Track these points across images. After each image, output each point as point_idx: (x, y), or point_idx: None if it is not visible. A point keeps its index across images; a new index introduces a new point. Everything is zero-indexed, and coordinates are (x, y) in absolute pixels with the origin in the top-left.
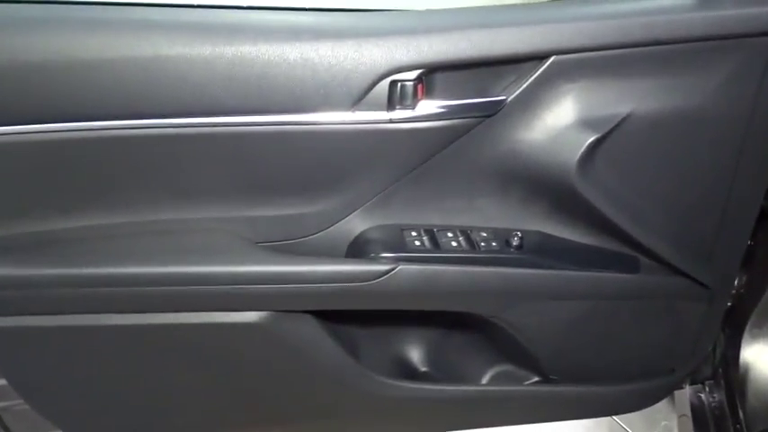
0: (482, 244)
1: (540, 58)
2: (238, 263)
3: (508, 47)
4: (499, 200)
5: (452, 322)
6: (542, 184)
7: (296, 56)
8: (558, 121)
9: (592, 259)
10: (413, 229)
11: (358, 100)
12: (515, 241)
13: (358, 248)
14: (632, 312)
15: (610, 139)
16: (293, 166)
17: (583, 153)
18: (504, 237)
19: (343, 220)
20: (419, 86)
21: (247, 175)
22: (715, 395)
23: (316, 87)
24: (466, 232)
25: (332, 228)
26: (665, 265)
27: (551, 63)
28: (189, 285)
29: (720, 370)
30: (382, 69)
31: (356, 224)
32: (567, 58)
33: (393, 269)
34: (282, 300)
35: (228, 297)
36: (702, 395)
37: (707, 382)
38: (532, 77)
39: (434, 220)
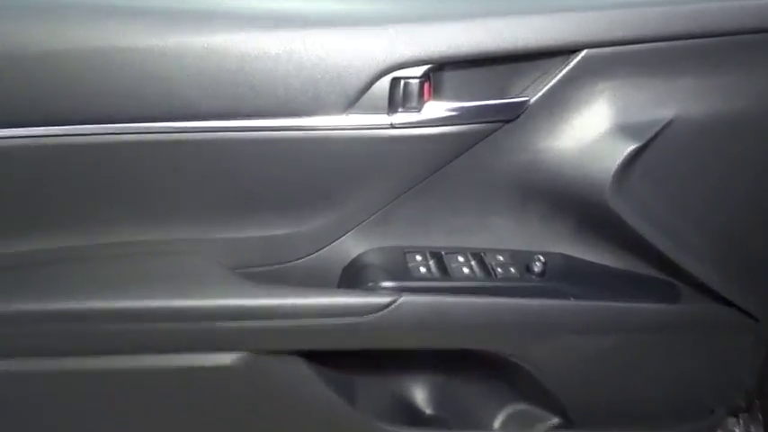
0: (499, 270)
1: (569, 52)
2: (214, 294)
3: (532, 39)
4: (518, 218)
5: (461, 359)
6: (569, 201)
7: (279, 48)
8: (590, 128)
9: (624, 287)
10: (417, 252)
11: (353, 101)
12: (537, 267)
13: (353, 275)
14: (669, 347)
15: (650, 149)
16: (277, 180)
17: (619, 166)
18: (523, 261)
19: (335, 242)
20: (426, 85)
21: (224, 190)
22: (751, 428)
23: (302, 86)
24: (479, 256)
25: (322, 251)
26: (707, 293)
27: (582, 58)
28: (155, 322)
29: (757, 401)
30: (382, 65)
31: (351, 246)
32: (600, 52)
33: (394, 301)
34: (266, 338)
35: (203, 336)
36: (737, 429)
37: (741, 415)
38: (560, 75)
39: (442, 241)
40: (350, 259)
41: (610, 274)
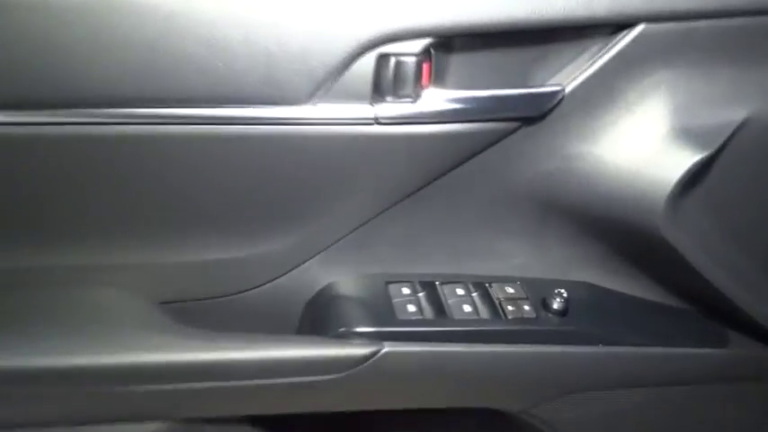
0: (508, 308)
1: (618, 26)
2: (132, 345)
3: (569, 8)
4: (535, 240)
5: (458, 415)
6: (605, 223)
7: (221, 15)
8: (641, 130)
9: (663, 327)
10: (404, 283)
11: (323, 86)
12: (557, 303)
13: (320, 315)
14: (714, 400)
15: (718, 161)
16: (222, 187)
17: (677, 183)
18: (539, 295)
19: (297, 269)
20: (424, 66)
21: (151, 200)
22: None
23: (254, 65)
24: (483, 287)
25: (280, 279)
26: (760, 335)
27: (638, 36)
28: (49, 386)
29: None
30: (364, 36)
31: (318, 274)
32: (662, 28)
33: (375, 353)
34: (205, 403)
35: (116, 401)
36: None
37: None
38: (606, 57)
39: (436, 266)
40: (315, 290)
41: (645, 311)
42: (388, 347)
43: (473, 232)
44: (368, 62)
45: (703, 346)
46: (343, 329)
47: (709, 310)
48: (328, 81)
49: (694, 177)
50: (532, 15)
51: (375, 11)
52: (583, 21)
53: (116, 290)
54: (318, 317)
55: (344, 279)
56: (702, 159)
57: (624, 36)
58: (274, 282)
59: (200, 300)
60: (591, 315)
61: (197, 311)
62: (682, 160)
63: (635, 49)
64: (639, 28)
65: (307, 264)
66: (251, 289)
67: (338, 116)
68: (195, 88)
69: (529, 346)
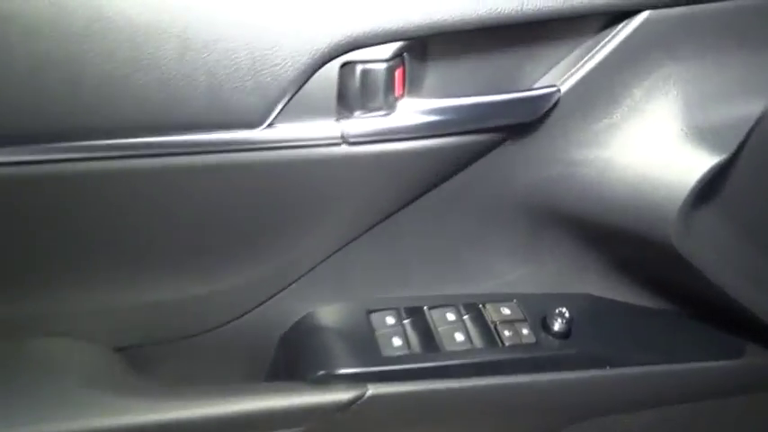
0: (505, 333)
1: (620, 15)
2: (85, 410)
3: None
4: (532, 253)
5: None
6: (610, 234)
7: (150, 28)
8: (649, 131)
9: (674, 339)
10: (388, 311)
11: (279, 104)
12: (558, 323)
13: (296, 354)
14: (729, 414)
15: (736, 162)
16: (175, 222)
17: (693, 189)
18: (539, 314)
19: (269, 301)
20: (397, 73)
21: (98, 241)
22: None
23: (192, 86)
24: (477, 308)
25: (251, 313)
26: None
27: (641, 25)
28: None
29: None
30: (323, 44)
31: (293, 304)
32: (671, 14)
33: (359, 398)
34: None
35: None
36: None
37: None
38: (605, 51)
39: (424, 288)
40: (291, 323)
41: (653, 322)
42: (372, 390)
43: (463, 249)
44: (330, 73)
45: (717, 358)
46: (322, 372)
47: (723, 317)
48: (284, 98)
49: (710, 182)
50: (520, 8)
51: (333, 13)
52: (579, 11)
53: (66, 340)
54: (295, 356)
55: (322, 309)
56: (719, 163)
57: (626, 26)
58: (243, 317)
59: (159, 343)
60: (595, 334)
61: (157, 355)
62: (696, 165)
63: (639, 40)
64: (643, 16)
65: (280, 295)
66: (216, 327)
67: (299, 137)
68: (125, 116)
69: (529, 375)
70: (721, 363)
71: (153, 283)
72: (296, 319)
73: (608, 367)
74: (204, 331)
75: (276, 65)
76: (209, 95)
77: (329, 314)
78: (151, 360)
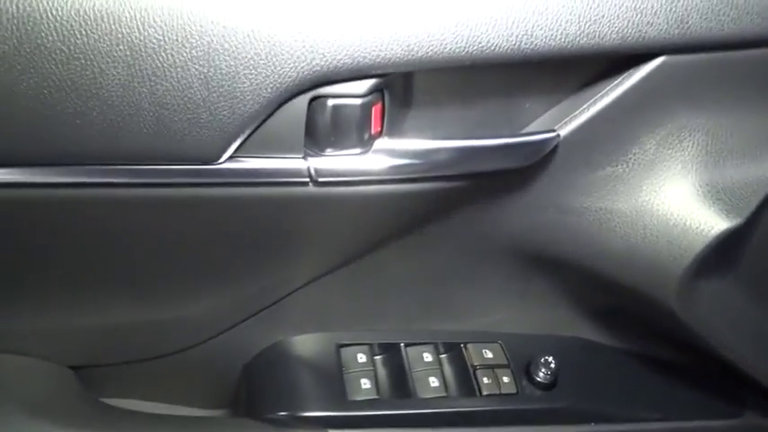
0: (484, 380)
1: (633, 59)
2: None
3: (568, 36)
4: (518, 295)
5: None
6: (607, 284)
7: (99, 43)
8: (655, 184)
9: (667, 395)
10: (360, 347)
11: (238, 137)
12: (542, 373)
13: (257, 388)
14: None
15: (751, 228)
16: (130, 251)
17: (699, 254)
18: (523, 358)
19: (234, 328)
20: (374, 110)
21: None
22: None
23: (140, 113)
24: (458, 348)
25: (214, 340)
26: None
27: (655, 70)
28: None
29: None
30: (292, 76)
31: (259, 332)
32: (688, 60)
33: None
34: None
35: None
36: None
37: None
38: (613, 96)
39: (402, 323)
40: (255, 352)
41: (646, 373)
42: None
43: (448, 286)
44: (298, 108)
45: (716, 417)
46: (283, 414)
47: (722, 373)
48: (243, 133)
49: (719, 248)
50: (517, 46)
51: (302, 44)
52: (585, 52)
53: (19, 358)
54: (257, 389)
55: (290, 340)
56: (732, 227)
57: (639, 70)
58: (207, 343)
59: (121, 364)
60: (583, 385)
61: (118, 376)
62: (706, 227)
63: (652, 86)
64: (658, 60)
65: (247, 322)
66: (178, 352)
67: (263, 173)
68: (63, 142)
69: (507, 428)
70: (718, 422)
71: (112, 305)
72: (261, 348)
73: (593, 424)
74: (167, 354)
75: (234, 98)
76: (156, 127)
77: (297, 346)
78: (111, 380)
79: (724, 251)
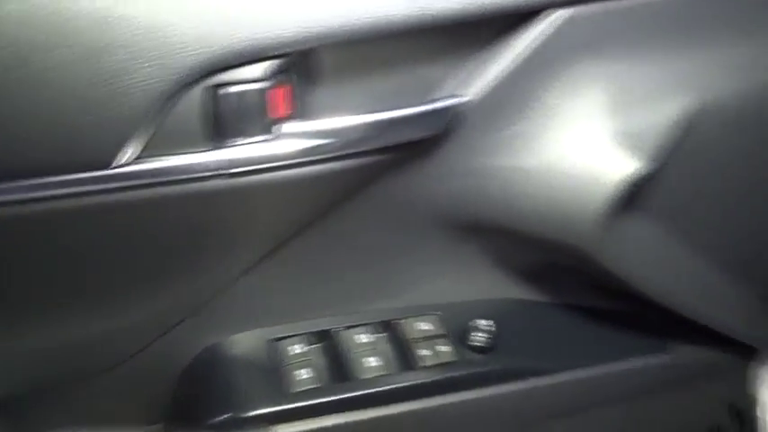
0: (423, 352)
1: (526, 15)
2: None
3: None
4: (452, 264)
5: None
6: (533, 241)
7: None
8: (568, 136)
9: (599, 340)
10: (293, 339)
11: (134, 137)
12: (478, 338)
13: (197, 394)
14: (658, 412)
15: (663, 167)
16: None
17: (612, 198)
18: (460, 326)
19: (163, 338)
20: (278, 93)
21: None
22: None
23: (23, 123)
24: (392, 327)
25: (144, 352)
26: (706, 334)
27: (552, 24)
28: None
29: None
30: (182, 66)
31: (191, 338)
32: (581, 12)
33: None
34: None
35: None
36: None
37: None
38: (513, 55)
39: (338, 308)
40: (190, 358)
41: (579, 322)
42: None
43: (378, 263)
44: (195, 99)
45: (644, 353)
46: (225, 416)
47: (649, 311)
48: (138, 132)
49: (632, 191)
50: (414, 12)
51: (189, 32)
52: (481, 13)
53: None
54: (195, 395)
55: (223, 342)
56: (640, 171)
57: (535, 26)
58: (137, 356)
59: (36, 392)
60: (519, 344)
61: (36, 407)
62: (615, 173)
63: (555, 40)
64: (555, 14)
65: (178, 328)
66: (104, 370)
67: (170, 172)
68: None
69: (450, 395)
70: (647, 359)
71: (31, 326)
72: (196, 353)
73: (531, 378)
74: (95, 373)
75: (125, 95)
76: (50, 135)
77: (231, 346)
78: (35, 411)
79: (638, 194)
